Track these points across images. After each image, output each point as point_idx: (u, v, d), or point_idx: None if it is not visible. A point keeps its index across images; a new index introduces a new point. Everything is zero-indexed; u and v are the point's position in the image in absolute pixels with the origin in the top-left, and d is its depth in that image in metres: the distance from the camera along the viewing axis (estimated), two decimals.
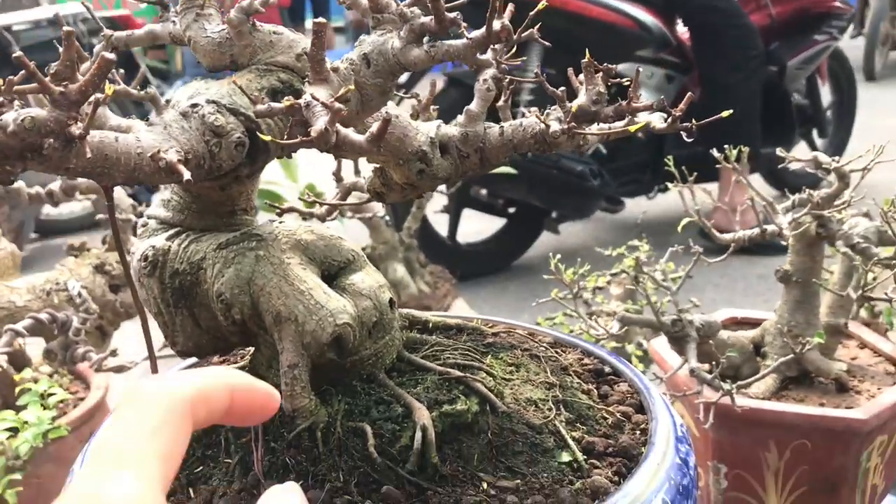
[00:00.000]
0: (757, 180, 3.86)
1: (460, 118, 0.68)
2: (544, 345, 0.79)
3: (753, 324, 1.33)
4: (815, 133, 4.19)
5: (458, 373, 0.66)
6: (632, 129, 0.64)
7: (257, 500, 0.60)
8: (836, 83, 4.37)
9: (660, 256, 1.79)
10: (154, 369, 0.59)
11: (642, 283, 1.16)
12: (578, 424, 0.67)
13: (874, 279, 1.17)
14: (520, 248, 3.45)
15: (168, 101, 0.61)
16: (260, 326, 0.64)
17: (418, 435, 0.61)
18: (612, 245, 1.90)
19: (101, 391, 1.73)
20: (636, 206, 3.97)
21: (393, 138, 0.67)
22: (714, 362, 1.03)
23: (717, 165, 1.41)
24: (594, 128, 0.66)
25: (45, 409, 1.30)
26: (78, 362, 1.54)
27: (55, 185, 1.62)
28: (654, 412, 0.70)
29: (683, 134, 0.66)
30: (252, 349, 0.70)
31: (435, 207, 3.30)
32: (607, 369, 0.78)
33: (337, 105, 0.50)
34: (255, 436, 0.64)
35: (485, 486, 0.60)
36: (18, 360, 1.58)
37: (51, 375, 1.62)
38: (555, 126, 0.61)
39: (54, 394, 1.35)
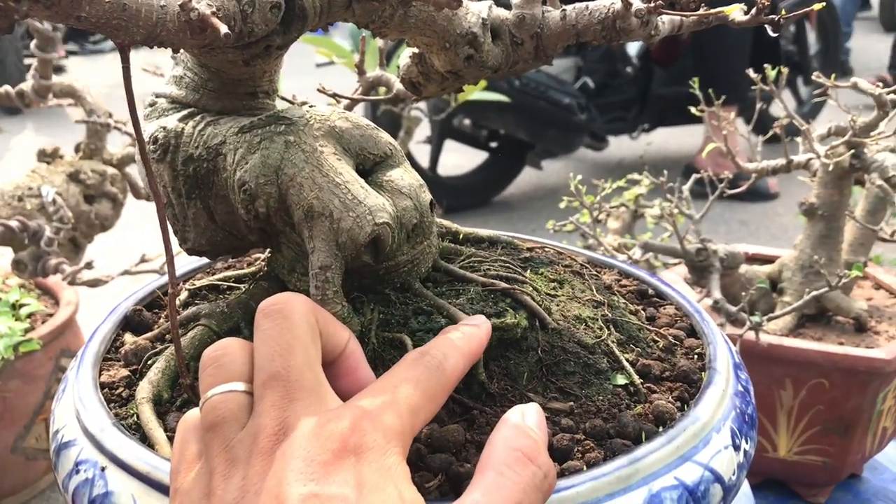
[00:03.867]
0: (740, 125, 3.82)
1: None
2: (580, 263, 0.72)
3: (764, 259, 1.28)
4: (799, 81, 4.15)
5: (504, 284, 0.60)
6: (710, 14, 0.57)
7: None
8: (822, 30, 4.32)
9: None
10: (171, 271, 0.51)
11: (668, 214, 1.10)
12: (631, 346, 0.62)
13: None
14: (501, 183, 3.39)
15: None
16: (286, 223, 0.57)
17: None
18: (593, 185, 1.84)
19: (72, 307, 1.65)
20: (617, 149, 3.91)
21: (440, 16, 0.59)
22: (744, 294, 0.98)
23: (702, 109, 1.35)
24: (667, 19, 0.59)
25: (17, 320, 1.22)
26: (50, 274, 1.45)
27: (26, 84, 1.50)
28: (709, 336, 0.64)
29: (770, 29, 0.59)
30: (269, 250, 0.63)
31: (417, 138, 3.22)
32: (650, 291, 0.72)
33: None
34: None
35: None
36: None
37: (18, 288, 1.54)
38: (638, 3, 0.53)
39: (26, 304, 1.27)
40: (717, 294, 0.98)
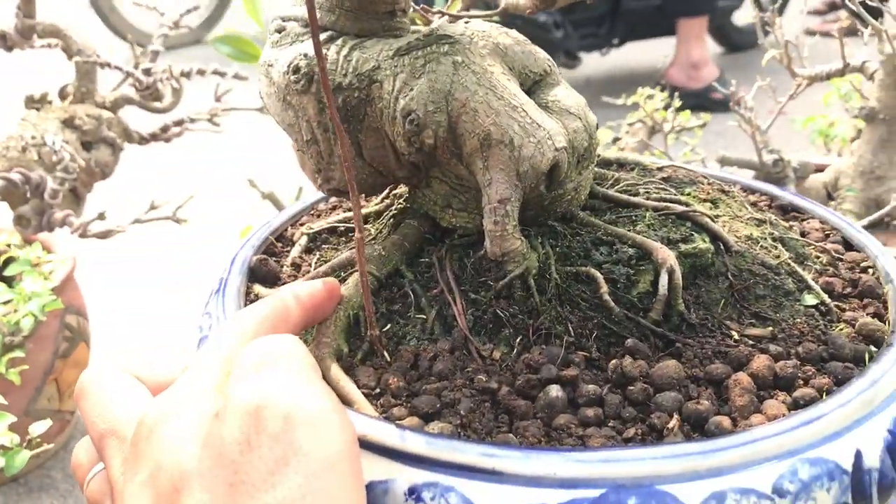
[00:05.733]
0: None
1: None
2: (709, 179, 0.69)
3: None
4: None
5: (681, 207, 0.56)
6: None
7: (472, 359, 0.49)
8: None
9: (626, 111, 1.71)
10: (357, 215, 0.46)
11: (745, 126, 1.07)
12: (808, 264, 0.59)
13: None
14: None
15: None
16: (453, 154, 0.52)
17: (664, 278, 0.51)
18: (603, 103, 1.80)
19: (71, 262, 1.56)
20: (585, 66, 3.86)
21: None
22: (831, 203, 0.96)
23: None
24: None
25: (44, 278, 1.14)
26: (56, 228, 1.36)
27: (9, 25, 1.39)
28: (871, 249, 0.61)
29: None
30: (411, 187, 0.58)
31: None
32: (788, 205, 0.69)
33: None
34: (447, 287, 0.52)
35: (735, 335, 0.51)
36: None
37: (8, 246, 1.44)
38: None
39: (48, 262, 1.19)
40: None
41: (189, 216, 1.45)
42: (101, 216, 1.35)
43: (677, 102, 1.51)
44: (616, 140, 1.62)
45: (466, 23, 0.53)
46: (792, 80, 1.14)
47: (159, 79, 1.41)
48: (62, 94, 1.54)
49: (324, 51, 0.52)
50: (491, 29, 0.53)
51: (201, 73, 1.43)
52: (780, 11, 3.80)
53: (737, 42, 3.96)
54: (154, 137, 1.63)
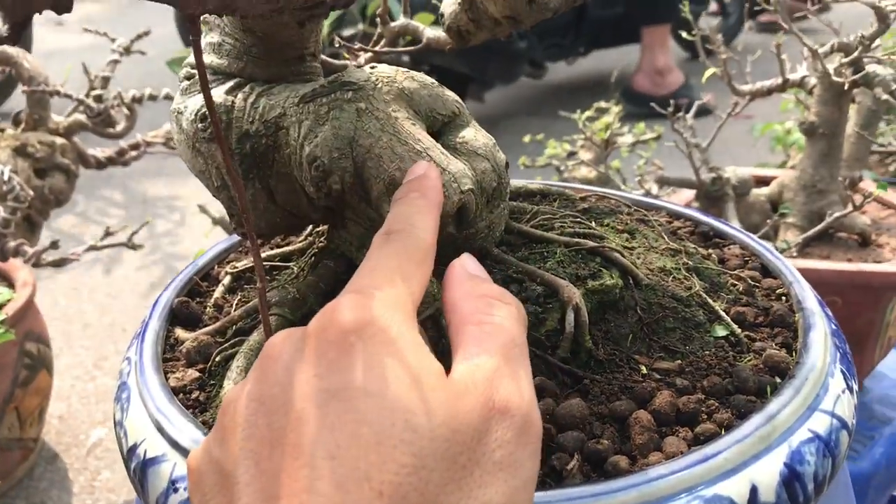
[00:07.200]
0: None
1: None
2: (633, 209, 0.70)
3: (758, 181, 1.28)
4: None
5: (591, 243, 0.56)
6: None
7: None
8: None
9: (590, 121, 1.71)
10: (258, 264, 0.46)
11: (683, 147, 1.08)
12: (717, 293, 0.59)
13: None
14: None
15: None
16: (361, 198, 0.52)
17: (570, 316, 0.51)
18: (536, 114, 1.81)
19: (29, 288, 1.56)
20: (554, 75, 3.88)
21: None
22: (769, 221, 0.97)
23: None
24: None
25: None
26: (10, 257, 1.36)
27: None
28: (787, 275, 0.62)
29: None
30: (329, 227, 0.58)
31: None
32: (710, 231, 0.70)
33: None
34: None
35: (643, 369, 0.52)
36: None
37: None
38: None
39: None
40: (735, 223, 0.97)
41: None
42: (55, 245, 1.34)
43: (616, 122, 1.52)
44: (572, 154, 1.63)
45: (372, 67, 0.54)
46: (754, 82, 1.16)
47: (111, 105, 1.41)
48: (16, 121, 1.54)
49: (231, 98, 0.53)
50: (396, 73, 0.54)
51: (153, 97, 1.43)
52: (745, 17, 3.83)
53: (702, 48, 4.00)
54: (111, 161, 1.63)
